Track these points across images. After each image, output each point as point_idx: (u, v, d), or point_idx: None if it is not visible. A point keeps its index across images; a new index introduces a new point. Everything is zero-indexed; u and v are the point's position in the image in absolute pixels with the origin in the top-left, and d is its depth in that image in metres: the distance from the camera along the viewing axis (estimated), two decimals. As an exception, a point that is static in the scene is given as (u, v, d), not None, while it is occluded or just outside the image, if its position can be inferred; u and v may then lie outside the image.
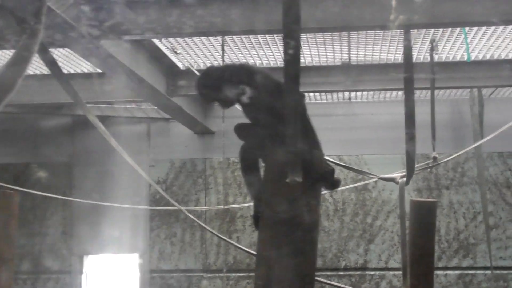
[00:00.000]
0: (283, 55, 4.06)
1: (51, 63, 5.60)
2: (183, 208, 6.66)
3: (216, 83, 4.41)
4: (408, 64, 5.36)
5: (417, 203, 5.67)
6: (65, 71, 7.78)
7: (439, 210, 9.26)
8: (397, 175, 6.67)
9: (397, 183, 6.64)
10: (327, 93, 9.19)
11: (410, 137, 5.38)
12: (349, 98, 9.58)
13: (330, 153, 9.30)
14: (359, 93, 9.32)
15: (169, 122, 9.76)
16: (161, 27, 5.16)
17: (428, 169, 8.90)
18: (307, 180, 4.01)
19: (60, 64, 7.58)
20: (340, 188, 9.21)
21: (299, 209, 4.08)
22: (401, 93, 8.58)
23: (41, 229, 9.96)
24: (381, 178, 7.35)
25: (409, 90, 5.30)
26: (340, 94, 9.34)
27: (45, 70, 7.74)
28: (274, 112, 4.21)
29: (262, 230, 4.20)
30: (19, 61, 3.99)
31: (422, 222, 5.22)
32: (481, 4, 5.31)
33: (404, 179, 6.21)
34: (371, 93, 9.24)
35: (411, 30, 6.15)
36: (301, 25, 3.86)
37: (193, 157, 9.84)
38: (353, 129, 9.61)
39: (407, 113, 5.17)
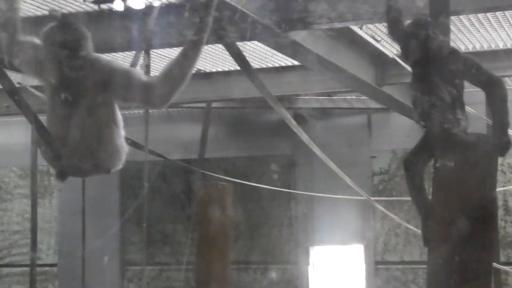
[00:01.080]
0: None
1: (239, 57, 5.73)
2: (372, 199, 6.52)
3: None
4: None
5: None
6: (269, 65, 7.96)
7: None
8: None
9: None
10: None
11: None
12: None
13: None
14: None
15: (389, 112, 9.59)
16: (335, 15, 5.10)
17: None
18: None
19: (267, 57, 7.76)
20: None
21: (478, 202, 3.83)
22: None
23: (268, 221, 10.22)
24: None
25: None
26: None
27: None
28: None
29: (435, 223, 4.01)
30: (188, 55, 4.10)
31: None
32: None
33: None
34: None
35: None
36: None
37: (416, 147, 9.60)
38: None
39: None
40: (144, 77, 4.12)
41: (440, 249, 3.81)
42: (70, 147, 4.02)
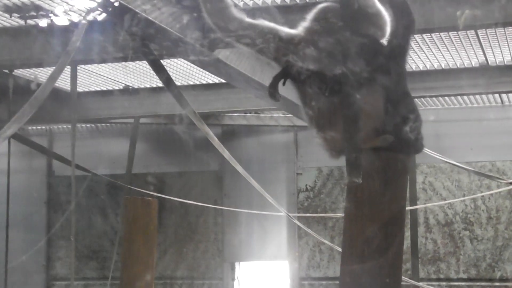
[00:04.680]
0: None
1: (161, 74, 5.84)
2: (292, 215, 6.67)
3: None
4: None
5: None
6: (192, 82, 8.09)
7: None
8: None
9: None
10: (476, 97, 8.87)
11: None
12: (502, 102, 9.19)
13: (482, 159, 9.10)
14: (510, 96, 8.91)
15: (315, 130, 9.77)
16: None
17: None
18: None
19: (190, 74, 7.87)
20: (493, 192, 8.93)
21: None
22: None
23: (194, 236, 10.30)
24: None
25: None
26: (491, 97, 8.97)
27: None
28: None
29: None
30: None
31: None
32: None
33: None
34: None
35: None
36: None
37: (341, 165, 9.74)
38: (507, 134, 9.18)
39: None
40: None
41: (350, 265, 3.93)
42: None
